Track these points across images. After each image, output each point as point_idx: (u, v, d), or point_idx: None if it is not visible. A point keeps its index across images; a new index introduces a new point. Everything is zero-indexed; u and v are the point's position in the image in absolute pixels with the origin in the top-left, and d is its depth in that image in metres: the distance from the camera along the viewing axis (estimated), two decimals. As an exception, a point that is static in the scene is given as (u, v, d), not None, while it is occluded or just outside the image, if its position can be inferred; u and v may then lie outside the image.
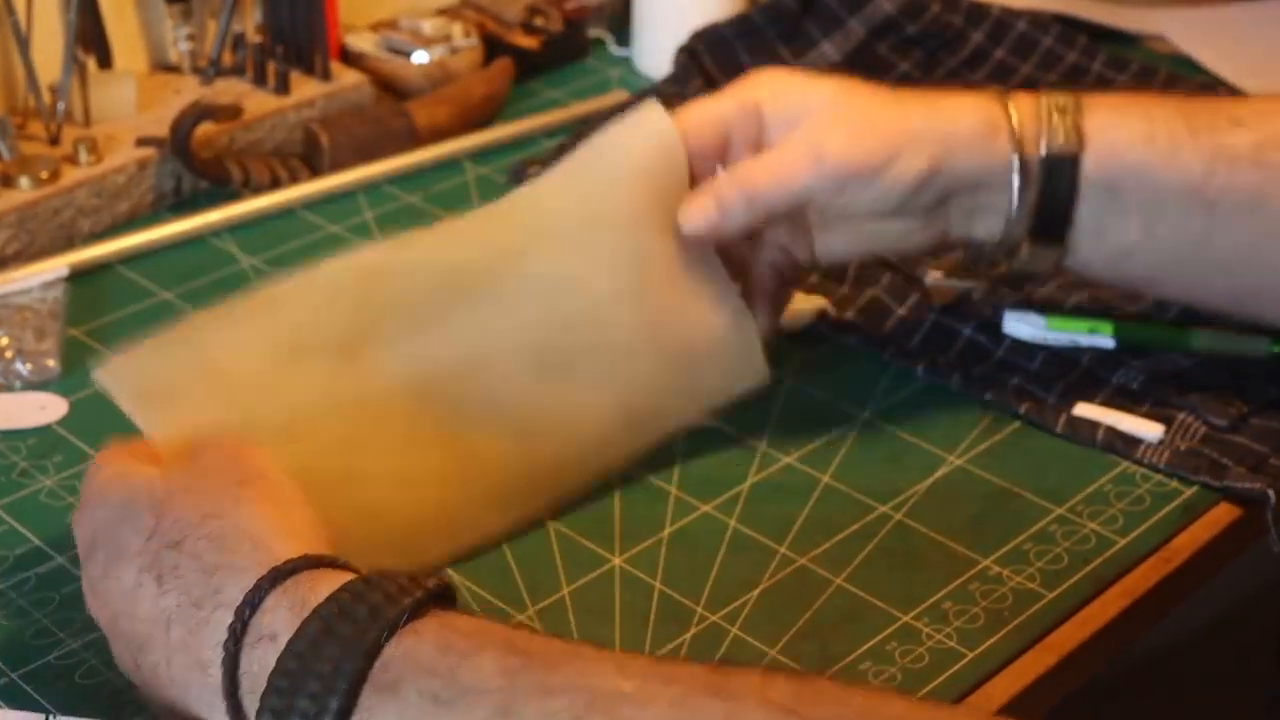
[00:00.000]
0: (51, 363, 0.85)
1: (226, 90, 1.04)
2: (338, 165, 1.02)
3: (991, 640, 0.70)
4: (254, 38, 1.06)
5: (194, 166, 0.98)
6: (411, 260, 0.74)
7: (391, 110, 1.06)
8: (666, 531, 0.76)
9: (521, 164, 1.03)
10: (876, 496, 0.78)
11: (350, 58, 1.10)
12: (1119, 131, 0.77)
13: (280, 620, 0.57)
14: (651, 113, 0.78)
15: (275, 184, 1.00)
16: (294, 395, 0.69)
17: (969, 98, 0.79)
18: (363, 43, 1.11)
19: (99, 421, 0.82)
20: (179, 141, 0.97)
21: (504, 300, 0.74)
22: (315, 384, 0.69)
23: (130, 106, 1.01)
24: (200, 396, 0.67)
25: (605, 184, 0.77)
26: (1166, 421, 0.81)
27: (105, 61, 1.02)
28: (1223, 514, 0.77)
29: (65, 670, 0.68)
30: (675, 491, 0.78)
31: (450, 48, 1.10)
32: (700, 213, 0.77)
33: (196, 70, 1.05)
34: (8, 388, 0.84)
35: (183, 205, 0.99)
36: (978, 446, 0.81)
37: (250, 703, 0.57)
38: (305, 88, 1.05)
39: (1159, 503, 0.78)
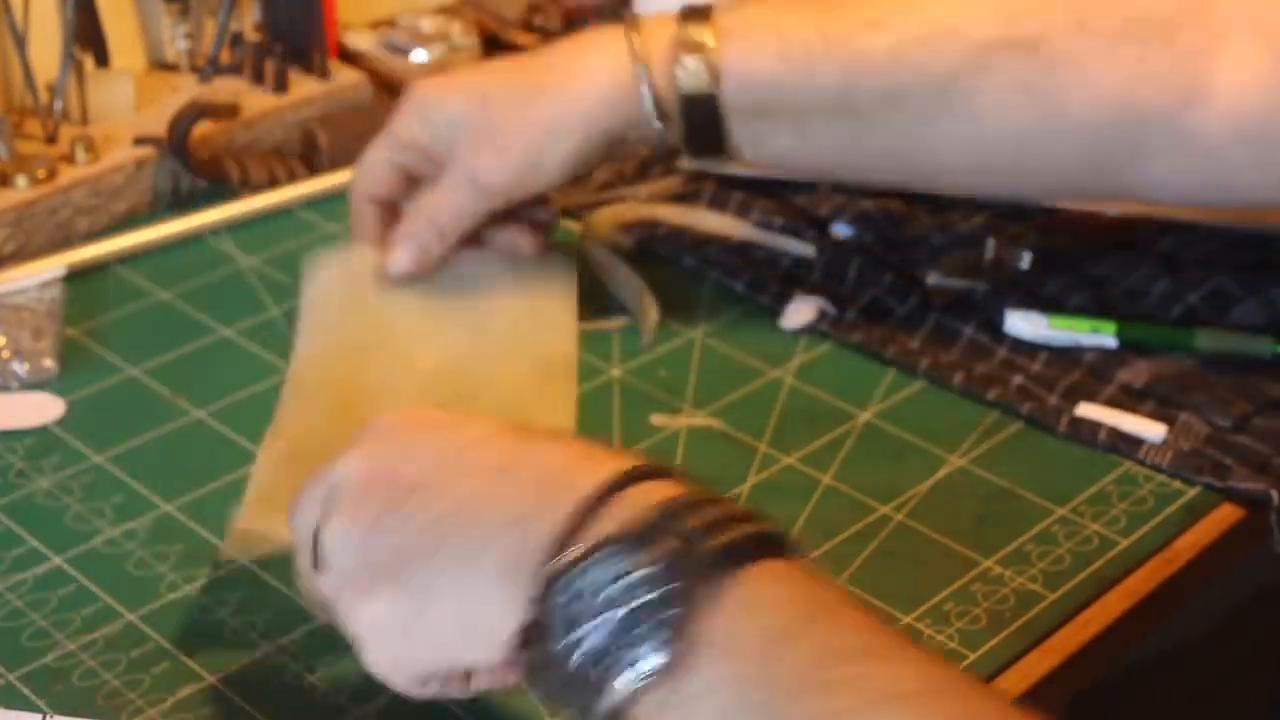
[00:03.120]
0: (49, 363, 0.85)
1: (224, 89, 1.03)
2: (336, 164, 1.02)
3: (993, 641, 0.70)
4: (252, 36, 1.06)
5: (192, 165, 0.97)
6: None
7: (390, 109, 1.05)
8: (667, 532, 0.75)
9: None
10: (877, 497, 0.77)
11: (349, 56, 1.10)
12: (754, 59, 0.81)
13: (653, 490, 0.55)
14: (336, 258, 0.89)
15: (274, 183, 1.00)
16: None
17: (596, 56, 0.83)
18: (361, 41, 1.10)
19: (96, 422, 0.81)
20: (177, 140, 0.97)
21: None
22: None
23: (128, 105, 1.00)
24: None
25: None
26: (1169, 422, 0.81)
27: (102, 60, 1.01)
28: (1226, 515, 0.77)
29: (62, 672, 0.68)
30: (675, 492, 0.78)
31: (449, 46, 1.10)
32: (405, 257, 0.86)
33: (194, 69, 1.05)
34: (5, 388, 0.84)
35: (181, 204, 0.99)
36: (979, 447, 0.81)
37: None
38: (304, 86, 1.04)
39: (1162, 503, 0.77)
